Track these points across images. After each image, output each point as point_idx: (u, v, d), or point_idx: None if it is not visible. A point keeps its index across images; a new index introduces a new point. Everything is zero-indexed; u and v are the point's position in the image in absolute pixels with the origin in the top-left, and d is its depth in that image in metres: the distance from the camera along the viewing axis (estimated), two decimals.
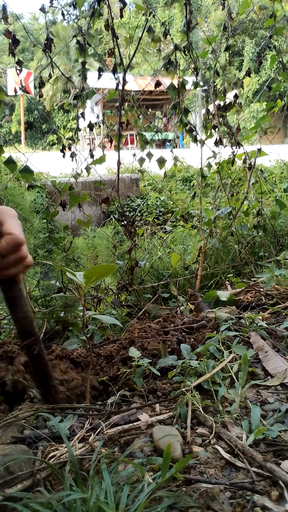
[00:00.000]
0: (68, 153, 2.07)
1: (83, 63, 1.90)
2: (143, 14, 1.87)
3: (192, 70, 2.08)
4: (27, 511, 0.61)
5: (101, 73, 1.97)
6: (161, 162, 2.09)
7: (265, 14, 2.41)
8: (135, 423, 0.92)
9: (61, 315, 1.78)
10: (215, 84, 2.21)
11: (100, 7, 1.82)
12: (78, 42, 1.85)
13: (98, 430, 0.90)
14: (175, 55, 1.98)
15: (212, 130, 2.28)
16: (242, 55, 23.35)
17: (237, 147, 2.32)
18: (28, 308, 0.97)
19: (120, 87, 1.93)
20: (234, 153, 2.34)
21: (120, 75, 1.93)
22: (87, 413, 0.99)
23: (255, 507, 0.67)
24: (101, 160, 1.98)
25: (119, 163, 2.01)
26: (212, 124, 2.27)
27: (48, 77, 1.96)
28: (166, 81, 2.30)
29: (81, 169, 2.02)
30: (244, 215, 2.47)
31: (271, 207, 2.79)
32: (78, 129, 2.15)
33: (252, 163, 2.37)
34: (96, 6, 1.82)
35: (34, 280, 1.98)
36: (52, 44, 1.83)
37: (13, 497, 0.69)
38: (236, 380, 1.05)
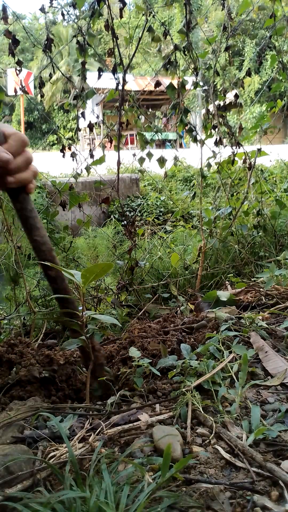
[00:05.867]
0: (68, 153, 2.07)
1: (83, 63, 1.90)
2: (143, 14, 1.87)
3: (192, 70, 2.08)
4: (27, 511, 0.61)
5: (101, 73, 1.97)
6: (162, 161, 2.09)
7: (266, 14, 2.41)
8: (135, 423, 0.92)
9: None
10: (215, 84, 2.21)
11: (100, 7, 1.82)
12: (78, 42, 1.85)
13: (98, 430, 0.90)
14: (175, 55, 1.98)
15: (212, 130, 2.28)
16: (242, 55, 23.35)
17: (237, 147, 2.32)
18: (45, 232, 0.94)
19: (120, 87, 1.93)
20: (234, 153, 2.35)
21: (120, 75, 1.93)
22: (87, 413, 0.99)
23: (255, 507, 0.67)
24: (101, 160, 1.99)
25: (119, 163, 2.01)
26: (212, 124, 2.27)
27: (48, 77, 1.96)
28: (166, 81, 2.30)
29: (81, 169, 2.02)
30: (244, 215, 2.46)
31: (271, 207, 2.79)
32: (78, 129, 2.15)
33: (252, 163, 2.37)
34: (96, 6, 1.82)
35: (34, 280, 1.98)
36: (52, 44, 1.83)
37: (13, 497, 0.69)
38: (236, 380, 1.05)
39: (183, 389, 1.01)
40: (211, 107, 2.26)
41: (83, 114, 2.02)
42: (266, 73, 21.88)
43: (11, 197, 0.89)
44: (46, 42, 1.82)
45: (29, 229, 0.90)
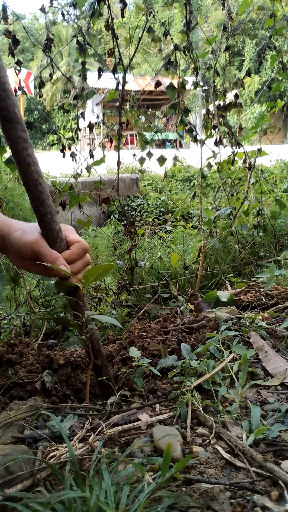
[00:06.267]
0: (68, 153, 2.07)
1: (83, 63, 1.90)
2: (143, 14, 1.87)
3: (192, 70, 2.08)
4: (27, 511, 0.61)
5: (101, 73, 1.97)
6: (162, 160, 2.09)
7: (266, 14, 2.42)
8: (135, 423, 0.92)
9: (61, 315, 1.78)
10: (215, 84, 2.21)
11: (100, 7, 1.82)
12: (78, 42, 1.85)
13: (98, 430, 0.90)
14: (175, 55, 1.98)
15: (212, 130, 2.28)
16: (242, 55, 23.35)
17: (237, 147, 2.32)
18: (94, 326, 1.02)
19: (120, 87, 1.93)
20: (234, 153, 2.35)
21: (120, 75, 1.93)
22: (87, 413, 0.99)
23: (255, 507, 0.67)
24: (101, 160, 1.99)
25: (119, 163, 2.01)
26: (212, 124, 2.27)
27: (48, 77, 1.96)
28: (166, 81, 2.30)
29: (81, 169, 2.02)
30: (244, 215, 2.47)
31: (271, 207, 2.79)
32: (78, 129, 2.15)
33: (252, 163, 2.37)
34: (96, 6, 1.82)
35: (34, 280, 1.98)
36: (52, 44, 1.83)
37: (13, 497, 0.69)
38: (236, 380, 1.05)
39: (183, 389, 1.01)
40: (211, 107, 2.26)
41: (83, 114, 2.02)
42: (266, 73, 21.88)
43: (69, 294, 0.97)
44: (46, 42, 1.83)
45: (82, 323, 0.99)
